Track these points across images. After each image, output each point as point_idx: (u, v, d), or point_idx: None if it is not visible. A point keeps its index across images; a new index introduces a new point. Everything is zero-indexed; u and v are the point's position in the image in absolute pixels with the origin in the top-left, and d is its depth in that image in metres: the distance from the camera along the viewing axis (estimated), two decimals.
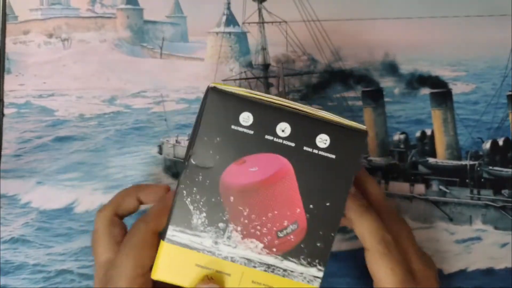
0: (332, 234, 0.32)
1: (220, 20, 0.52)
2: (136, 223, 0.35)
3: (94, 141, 0.50)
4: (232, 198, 0.32)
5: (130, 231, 0.35)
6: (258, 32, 0.52)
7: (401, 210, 0.49)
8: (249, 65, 0.52)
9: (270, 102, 0.31)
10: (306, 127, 0.31)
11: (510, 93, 0.50)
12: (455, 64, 0.51)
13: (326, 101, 0.51)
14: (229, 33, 0.52)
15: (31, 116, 0.51)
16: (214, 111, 0.31)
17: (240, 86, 0.51)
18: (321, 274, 0.32)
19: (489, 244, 0.48)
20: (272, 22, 0.51)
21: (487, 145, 0.50)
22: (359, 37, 0.51)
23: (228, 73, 0.52)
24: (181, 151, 0.49)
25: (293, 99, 0.50)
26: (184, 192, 0.32)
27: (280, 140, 0.31)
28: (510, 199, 0.48)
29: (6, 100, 0.51)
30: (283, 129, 0.31)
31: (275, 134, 0.31)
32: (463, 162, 0.50)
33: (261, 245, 0.32)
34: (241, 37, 0.52)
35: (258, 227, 0.32)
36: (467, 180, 0.49)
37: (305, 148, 0.32)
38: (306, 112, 0.32)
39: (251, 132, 0.31)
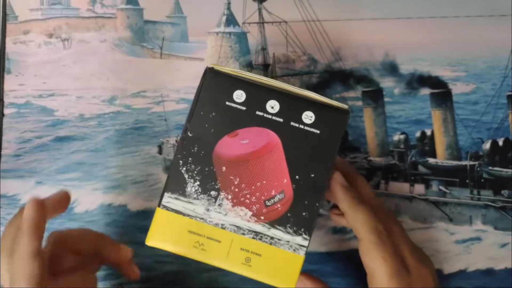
0: (317, 204, 0.34)
1: (220, 20, 0.52)
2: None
3: (94, 141, 0.50)
4: (224, 168, 0.34)
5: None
6: (258, 32, 0.52)
7: (401, 210, 0.49)
8: (249, 65, 0.52)
9: (261, 82, 0.35)
10: (293, 105, 0.34)
11: (510, 93, 0.50)
12: (455, 64, 0.51)
13: None
14: (229, 33, 0.52)
15: (31, 116, 0.51)
16: (211, 88, 0.35)
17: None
18: (306, 243, 0.34)
19: (489, 244, 0.48)
20: (272, 22, 0.51)
21: (487, 146, 0.50)
22: (359, 37, 0.51)
23: None
24: None
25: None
26: (180, 162, 0.34)
27: (270, 116, 0.34)
28: (510, 200, 0.48)
29: (6, 100, 0.51)
30: (273, 106, 0.34)
31: (265, 110, 0.34)
32: (463, 163, 0.50)
33: (250, 213, 0.35)
34: (241, 37, 0.52)
35: (248, 196, 0.35)
36: (467, 181, 0.49)
37: (292, 123, 0.34)
38: (294, 91, 0.35)
39: (244, 108, 0.34)
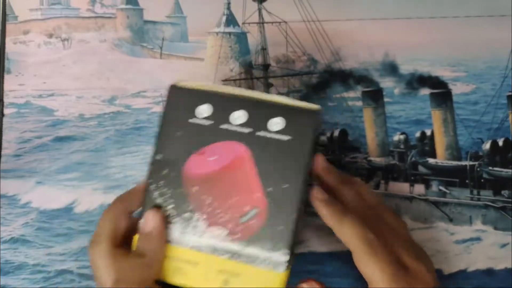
0: (294, 216, 0.32)
1: (220, 20, 0.52)
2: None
3: (94, 141, 0.50)
4: (195, 188, 0.33)
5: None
6: (258, 32, 0.52)
7: (401, 210, 0.49)
8: (249, 65, 0.52)
9: (228, 93, 0.33)
10: (261, 112, 0.33)
11: (510, 93, 0.50)
12: (455, 64, 0.51)
13: (326, 101, 0.51)
14: (229, 33, 0.52)
15: (31, 116, 0.51)
16: (173, 107, 0.34)
17: (240, 86, 0.51)
18: (285, 258, 0.32)
19: (489, 245, 0.48)
20: (272, 22, 0.51)
21: (487, 146, 0.50)
22: (359, 37, 0.51)
23: (228, 73, 0.52)
24: None
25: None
26: (151, 187, 0.34)
27: (235, 128, 0.33)
28: (510, 200, 0.48)
29: (6, 100, 0.51)
30: (239, 116, 0.33)
31: (230, 123, 0.33)
32: (463, 163, 0.50)
33: (225, 232, 0.33)
34: (241, 37, 0.52)
35: (222, 214, 0.33)
36: (467, 181, 0.49)
37: (259, 133, 0.33)
38: (261, 98, 0.33)
39: (208, 123, 0.33)
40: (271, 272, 0.32)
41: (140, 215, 0.34)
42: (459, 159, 0.50)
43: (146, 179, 0.34)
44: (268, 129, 0.33)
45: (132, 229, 0.35)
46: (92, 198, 0.49)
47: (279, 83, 0.51)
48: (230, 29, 0.52)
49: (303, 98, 0.51)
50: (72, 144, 0.50)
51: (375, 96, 0.51)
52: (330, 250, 0.48)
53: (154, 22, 0.54)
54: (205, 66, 0.52)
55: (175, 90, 0.34)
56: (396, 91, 0.51)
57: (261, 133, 0.33)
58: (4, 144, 0.50)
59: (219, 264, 0.33)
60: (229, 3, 0.51)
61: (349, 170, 0.50)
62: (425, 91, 0.51)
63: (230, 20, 0.52)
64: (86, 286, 0.47)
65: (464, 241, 0.48)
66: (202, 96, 0.34)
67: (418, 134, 0.50)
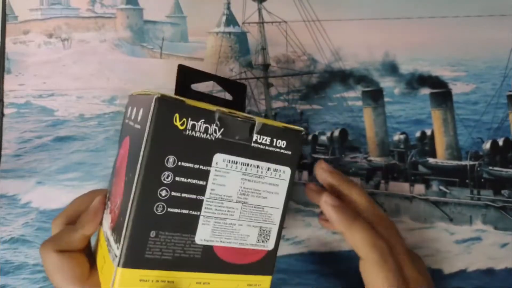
0: (129, 206, 0.29)
1: (220, 20, 0.52)
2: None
3: (94, 141, 0.50)
4: (114, 179, 0.36)
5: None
6: (258, 32, 0.52)
7: (401, 210, 0.49)
8: (249, 65, 0.52)
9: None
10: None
11: (510, 93, 0.50)
12: (455, 64, 0.51)
13: (326, 101, 0.51)
14: (229, 33, 0.52)
15: (31, 116, 0.51)
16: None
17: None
18: (118, 252, 0.29)
19: (489, 244, 0.48)
20: (272, 22, 0.51)
21: (487, 145, 0.50)
22: (359, 37, 0.51)
23: (228, 73, 0.52)
24: None
25: (293, 99, 0.51)
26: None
27: (129, 122, 0.34)
28: (510, 199, 0.48)
29: (6, 100, 0.51)
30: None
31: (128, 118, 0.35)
32: (463, 162, 0.50)
33: (109, 219, 0.33)
34: (241, 37, 0.52)
35: (112, 202, 0.34)
36: (467, 180, 0.49)
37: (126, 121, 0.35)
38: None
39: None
40: (111, 265, 0.30)
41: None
42: (459, 159, 0.50)
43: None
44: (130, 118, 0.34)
45: None
46: None
47: (279, 83, 0.51)
48: (230, 29, 0.52)
49: (303, 98, 0.51)
50: (72, 144, 0.50)
51: (375, 96, 0.51)
52: (330, 250, 0.48)
53: (154, 22, 0.54)
54: (205, 66, 0.52)
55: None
56: (396, 91, 0.51)
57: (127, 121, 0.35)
58: (4, 144, 0.50)
59: (103, 249, 0.34)
60: (229, 3, 0.51)
61: (349, 170, 0.50)
62: (425, 91, 0.51)
63: (230, 20, 0.52)
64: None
65: (464, 241, 0.48)
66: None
67: (418, 134, 0.50)
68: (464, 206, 0.49)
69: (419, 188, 0.49)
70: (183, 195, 0.30)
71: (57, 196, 0.49)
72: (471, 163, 0.50)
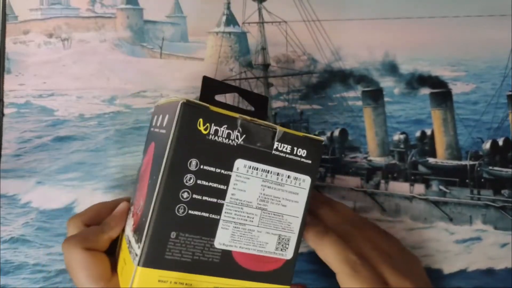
0: (151, 206, 0.29)
1: (220, 20, 0.52)
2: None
3: (94, 141, 0.50)
4: (137, 184, 0.37)
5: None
6: (258, 32, 0.52)
7: (401, 210, 0.49)
8: (249, 65, 0.52)
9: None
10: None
11: (510, 93, 0.50)
12: (455, 64, 0.51)
13: (326, 101, 0.51)
14: (229, 33, 0.52)
15: (31, 116, 0.51)
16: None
17: (239, 86, 0.51)
18: (139, 252, 0.29)
19: (489, 244, 0.48)
20: (272, 22, 0.51)
21: (487, 145, 0.50)
22: (359, 37, 0.51)
23: (228, 73, 0.52)
24: None
25: (293, 99, 0.51)
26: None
27: (155, 129, 0.35)
28: (510, 199, 0.48)
29: (6, 100, 0.51)
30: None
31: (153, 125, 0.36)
32: (463, 162, 0.50)
33: (132, 222, 0.34)
34: (241, 37, 0.52)
35: (134, 206, 0.35)
36: (467, 180, 0.49)
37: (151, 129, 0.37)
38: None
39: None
40: (132, 265, 0.31)
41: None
42: (459, 158, 0.50)
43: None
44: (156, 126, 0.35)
45: None
46: (92, 198, 0.49)
47: (279, 83, 0.51)
48: (230, 29, 0.52)
49: (303, 98, 0.51)
50: (72, 144, 0.50)
51: (375, 95, 0.51)
52: None
53: (154, 22, 0.54)
54: (205, 66, 0.52)
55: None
56: (396, 90, 0.51)
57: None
58: (4, 144, 0.50)
59: (124, 252, 0.34)
60: (229, 3, 0.51)
61: (349, 170, 0.50)
62: (425, 91, 0.51)
63: (230, 20, 0.52)
64: None
65: (464, 241, 0.48)
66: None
67: (418, 134, 0.50)
68: (464, 206, 0.49)
69: (419, 188, 0.49)
70: (204, 198, 0.30)
71: (57, 196, 0.49)
72: (471, 163, 0.50)
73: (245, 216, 0.32)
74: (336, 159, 0.50)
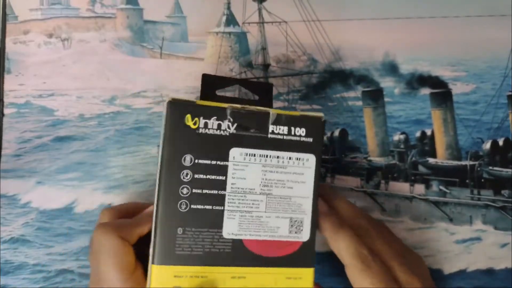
0: (155, 206, 0.32)
1: (220, 20, 0.52)
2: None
3: (94, 141, 0.50)
4: None
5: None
6: (258, 32, 0.52)
7: (401, 210, 0.49)
8: (249, 65, 0.52)
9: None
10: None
11: (510, 93, 0.50)
12: (455, 64, 0.51)
13: (326, 101, 0.51)
14: (229, 33, 0.52)
15: (31, 116, 0.51)
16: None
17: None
18: (151, 251, 0.32)
19: (489, 244, 0.48)
20: (272, 22, 0.51)
21: (487, 145, 0.50)
22: (359, 37, 0.51)
23: (228, 73, 0.52)
24: None
25: (293, 99, 0.51)
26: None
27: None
28: (510, 199, 0.48)
29: (6, 100, 0.51)
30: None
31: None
32: (463, 162, 0.50)
33: None
34: (241, 37, 0.52)
35: None
36: (467, 180, 0.49)
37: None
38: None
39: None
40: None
41: None
42: (459, 159, 0.50)
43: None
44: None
45: None
46: (92, 198, 0.49)
47: (279, 83, 0.51)
48: (230, 29, 0.52)
49: (303, 98, 0.51)
50: (72, 144, 0.50)
51: (375, 96, 0.51)
52: (330, 250, 0.48)
53: (154, 22, 0.54)
54: (205, 66, 0.52)
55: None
56: (396, 91, 0.51)
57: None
58: (4, 144, 0.50)
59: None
60: (229, 3, 0.51)
61: (349, 170, 0.50)
62: (425, 91, 0.51)
63: (230, 20, 0.52)
64: (86, 286, 0.47)
65: (464, 241, 0.48)
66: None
67: (418, 134, 0.50)
68: (464, 206, 0.49)
69: (419, 188, 0.49)
70: (204, 191, 0.31)
71: (57, 196, 0.49)
72: (471, 163, 0.50)
73: (250, 204, 0.32)
74: (336, 159, 0.50)
